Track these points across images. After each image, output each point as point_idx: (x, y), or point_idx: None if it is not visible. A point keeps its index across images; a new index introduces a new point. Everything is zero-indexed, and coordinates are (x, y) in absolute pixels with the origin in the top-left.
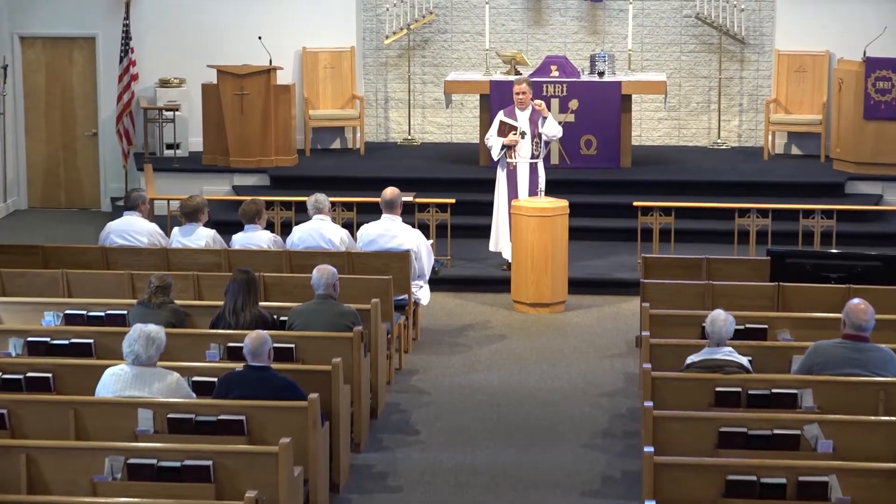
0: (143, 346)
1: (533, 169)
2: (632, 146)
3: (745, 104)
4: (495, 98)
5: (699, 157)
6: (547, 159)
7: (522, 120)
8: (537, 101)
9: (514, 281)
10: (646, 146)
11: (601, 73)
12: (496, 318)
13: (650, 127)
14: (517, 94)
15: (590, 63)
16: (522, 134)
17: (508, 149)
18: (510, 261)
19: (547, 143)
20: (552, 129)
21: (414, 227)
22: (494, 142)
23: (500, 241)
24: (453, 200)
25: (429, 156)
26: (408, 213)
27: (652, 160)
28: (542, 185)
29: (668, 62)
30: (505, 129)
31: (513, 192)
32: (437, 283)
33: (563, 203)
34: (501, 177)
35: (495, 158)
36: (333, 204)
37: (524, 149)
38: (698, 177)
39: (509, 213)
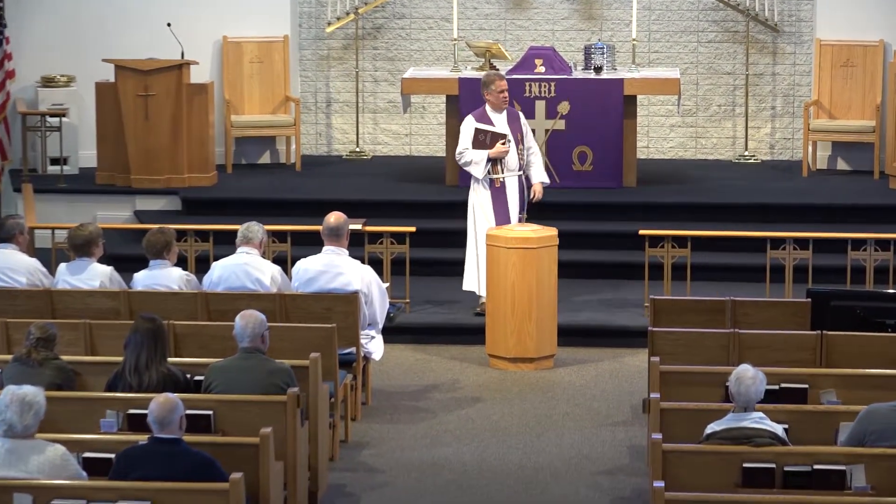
0: (16, 413)
1: (521, 183)
2: (637, 160)
3: (779, 107)
4: (465, 100)
5: (721, 173)
6: (529, 177)
7: (500, 124)
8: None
9: (490, 330)
10: (654, 160)
11: (598, 69)
12: (467, 377)
13: (660, 136)
14: (500, 91)
15: (584, 56)
16: (508, 141)
17: (493, 163)
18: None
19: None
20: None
21: (364, 262)
22: (474, 155)
23: (481, 279)
24: (413, 229)
25: (382, 173)
26: (356, 244)
27: (662, 178)
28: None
29: (682, 55)
30: (486, 139)
31: (503, 216)
32: (392, 332)
33: (551, 231)
34: (482, 196)
35: (480, 176)
36: None
37: (511, 159)
38: (720, 198)
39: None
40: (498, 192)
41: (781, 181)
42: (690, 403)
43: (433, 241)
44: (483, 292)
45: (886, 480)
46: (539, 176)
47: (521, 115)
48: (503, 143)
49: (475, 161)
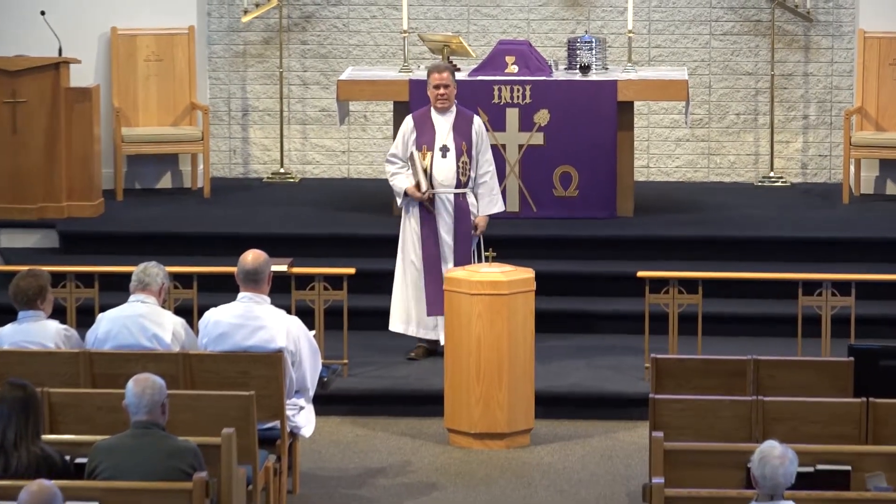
0: None
1: (460, 204)
2: (634, 184)
3: (814, 116)
4: (418, 107)
5: (741, 199)
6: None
7: (442, 128)
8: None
9: (450, 399)
10: (657, 183)
11: (585, 69)
12: (421, 458)
13: (663, 153)
14: (435, 87)
15: (568, 52)
16: (431, 200)
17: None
18: (430, 339)
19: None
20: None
21: (290, 313)
22: (396, 182)
23: (411, 316)
24: (352, 271)
25: (313, 200)
26: (280, 290)
27: (667, 205)
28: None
29: (691, 51)
30: (413, 163)
31: (431, 240)
32: (326, 401)
33: (527, 274)
34: (412, 215)
35: (398, 203)
36: None
37: (444, 171)
38: (739, 231)
39: (426, 273)
40: (425, 212)
41: (816, 209)
42: (703, 490)
43: (377, 286)
44: (414, 331)
45: None
46: (485, 206)
47: (479, 121)
48: (423, 193)
49: (395, 188)
